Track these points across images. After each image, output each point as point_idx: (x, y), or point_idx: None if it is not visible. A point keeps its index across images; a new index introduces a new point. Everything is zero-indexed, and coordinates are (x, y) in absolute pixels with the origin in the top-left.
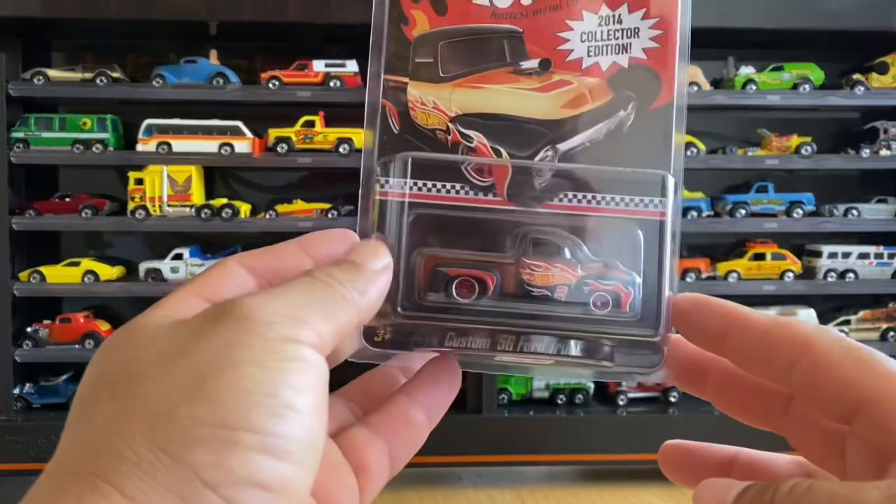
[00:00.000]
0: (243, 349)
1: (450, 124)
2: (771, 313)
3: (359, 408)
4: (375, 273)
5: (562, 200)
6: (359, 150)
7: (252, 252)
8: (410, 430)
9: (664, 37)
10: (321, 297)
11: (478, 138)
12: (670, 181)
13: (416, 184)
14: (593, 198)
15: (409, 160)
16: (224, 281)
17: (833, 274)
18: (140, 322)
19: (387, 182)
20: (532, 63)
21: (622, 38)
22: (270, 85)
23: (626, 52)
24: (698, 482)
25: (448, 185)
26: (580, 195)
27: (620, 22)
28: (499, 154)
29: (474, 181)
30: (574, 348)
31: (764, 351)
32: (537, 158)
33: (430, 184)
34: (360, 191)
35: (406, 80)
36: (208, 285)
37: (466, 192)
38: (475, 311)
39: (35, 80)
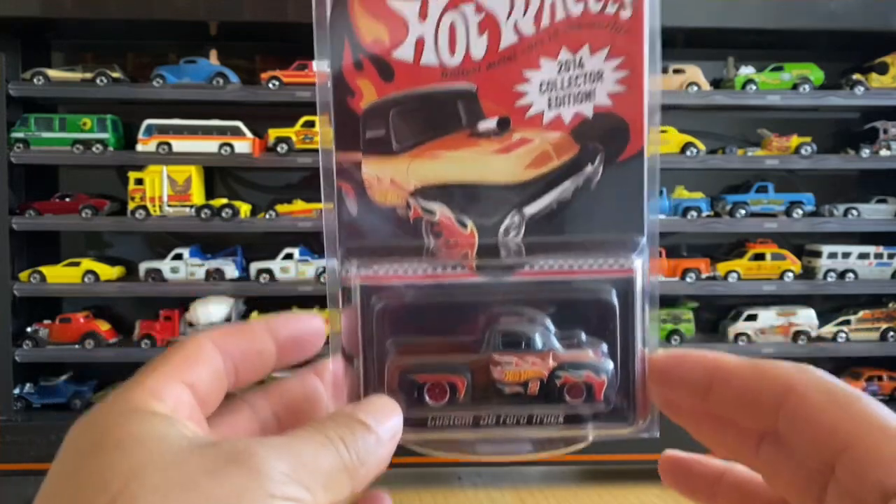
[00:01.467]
0: (249, 501)
1: (410, 199)
2: (749, 358)
3: (275, 417)
4: (383, 444)
5: (532, 267)
6: None
7: (223, 331)
8: None
9: (630, 77)
10: (329, 465)
11: (441, 211)
12: (640, 239)
13: (381, 267)
14: (565, 262)
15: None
16: (197, 362)
17: (833, 274)
18: (140, 427)
19: (350, 269)
20: (490, 123)
21: (584, 83)
22: (270, 85)
23: (590, 100)
24: (691, 492)
25: (414, 265)
26: (551, 261)
27: (582, 66)
28: (464, 225)
29: (441, 259)
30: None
31: (749, 399)
32: (504, 225)
33: (395, 265)
34: (326, 289)
35: (359, 156)
36: (184, 367)
37: (434, 269)
38: (447, 420)
39: (35, 80)
